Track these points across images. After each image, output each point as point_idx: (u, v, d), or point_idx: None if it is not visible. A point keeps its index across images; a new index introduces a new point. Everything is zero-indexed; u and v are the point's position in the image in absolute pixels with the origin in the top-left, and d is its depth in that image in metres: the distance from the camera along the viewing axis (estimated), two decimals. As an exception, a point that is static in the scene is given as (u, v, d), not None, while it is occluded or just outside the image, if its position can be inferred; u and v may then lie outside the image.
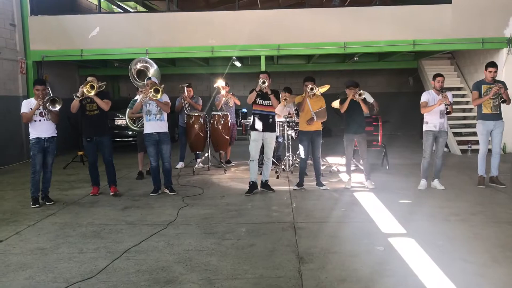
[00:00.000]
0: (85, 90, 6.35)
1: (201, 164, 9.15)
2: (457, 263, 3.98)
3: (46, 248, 4.61)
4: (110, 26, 11.05)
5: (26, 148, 10.22)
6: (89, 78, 6.51)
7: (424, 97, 6.91)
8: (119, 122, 11.66)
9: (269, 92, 6.75)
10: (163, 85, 6.83)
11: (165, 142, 6.90)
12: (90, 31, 10.92)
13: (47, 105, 6.29)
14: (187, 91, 9.07)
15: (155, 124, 6.79)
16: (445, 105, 6.70)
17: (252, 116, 7.02)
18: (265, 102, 6.83)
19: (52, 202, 6.50)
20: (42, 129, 6.39)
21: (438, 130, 6.87)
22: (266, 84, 6.67)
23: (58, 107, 6.37)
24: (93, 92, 6.37)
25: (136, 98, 8.39)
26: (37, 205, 6.33)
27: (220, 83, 9.44)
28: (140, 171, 8.38)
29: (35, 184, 6.42)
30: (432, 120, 6.86)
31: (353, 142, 7.20)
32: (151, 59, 8.15)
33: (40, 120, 6.38)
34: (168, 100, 6.92)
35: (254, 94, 6.77)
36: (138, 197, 6.86)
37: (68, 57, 11.30)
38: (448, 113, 6.79)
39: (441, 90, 6.79)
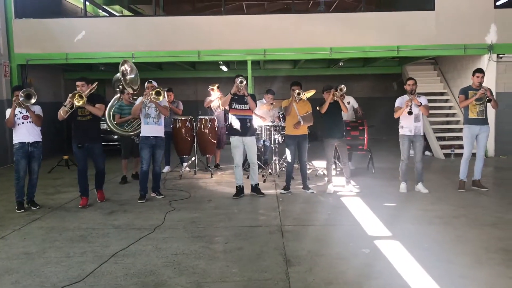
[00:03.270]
0: (75, 102, 6.01)
1: (187, 168, 9.15)
2: (442, 264, 4.06)
3: (32, 252, 4.58)
4: (96, 30, 11.01)
5: (10, 152, 10.10)
6: (78, 83, 6.29)
7: (398, 102, 7.08)
8: (104, 126, 11.54)
9: (246, 94, 6.77)
10: (165, 89, 6.80)
11: (160, 146, 6.89)
12: (75, 35, 10.85)
13: (21, 100, 6.09)
14: (167, 95, 9.04)
15: (153, 128, 6.76)
16: (410, 108, 6.83)
17: (229, 122, 7.03)
18: (242, 106, 6.84)
19: (37, 207, 6.44)
20: (25, 132, 6.29)
21: (413, 134, 7.00)
22: (244, 83, 6.67)
23: (33, 100, 6.17)
24: (81, 102, 6.04)
25: (121, 102, 8.36)
26: (22, 210, 6.26)
27: (213, 86, 9.44)
28: (124, 176, 8.35)
29: (20, 189, 6.34)
30: (407, 125, 7.00)
31: (333, 146, 7.28)
32: (138, 62, 8.13)
33: (23, 123, 6.28)
34: (167, 104, 6.92)
35: (229, 97, 6.78)
36: (125, 201, 6.83)
37: (53, 60, 11.20)
38: (410, 113, 6.84)
39: (412, 93, 6.94)
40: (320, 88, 7.44)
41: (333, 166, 7.87)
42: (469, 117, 7.09)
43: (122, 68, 7.36)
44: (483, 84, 7.07)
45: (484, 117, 7.07)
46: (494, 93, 10.63)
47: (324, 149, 7.26)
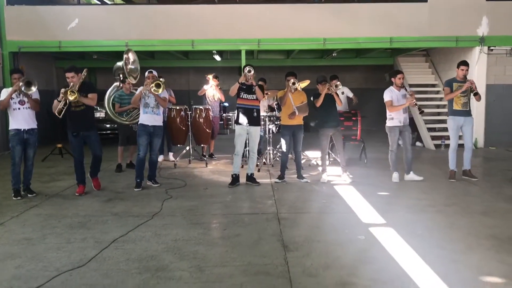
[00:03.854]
0: (68, 97, 6.01)
1: (171, 157, 9.23)
2: (435, 250, 4.19)
3: (33, 238, 4.63)
4: (89, 18, 10.95)
5: (5, 139, 10.07)
6: (68, 74, 6.19)
7: (388, 96, 7.15)
8: (97, 115, 11.58)
9: (255, 83, 6.84)
10: (162, 79, 6.83)
11: (158, 135, 6.93)
12: (68, 23, 10.79)
13: (22, 88, 6.13)
14: None
15: (151, 117, 6.80)
16: (418, 108, 7.12)
17: (236, 110, 7.11)
18: (250, 96, 6.91)
19: (34, 194, 6.47)
20: (21, 119, 6.30)
21: (402, 124, 7.14)
22: (252, 72, 6.73)
23: (34, 89, 6.22)
24: (74, 97, 6.04)
25: (121, 91, 8.38)
26: (18, 197, 6.29)
27: (213, 76, 9.46)
28: (119, 164, 8.39)
29: (16, 176, 6.36)
30: (397, 116, 7.13)
31: (328, 136, 7.38)
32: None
33: (19, 109, 6.29)
34: (167, 96, 6.97)
35: (236, 86, 6.84)
36: (121, 189, 6.89)
37: (46, 48, 11.14)
38: (421, 112, 7.01)
39: (402, 86, 7.07)
40: (313, 78, 7.52)
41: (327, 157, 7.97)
42: (453, 108, 7.23)
43: (126, 56, 7.40)
44: (468, 76, 7.21)
45: (468, 109, 7.22)
46: (484, 85, 10.88)
47: (320, 139, 7.35)
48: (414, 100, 6.96)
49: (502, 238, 4.52)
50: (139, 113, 7.09)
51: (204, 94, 9.47)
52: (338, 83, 7.14)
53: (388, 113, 7.21)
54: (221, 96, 9.41)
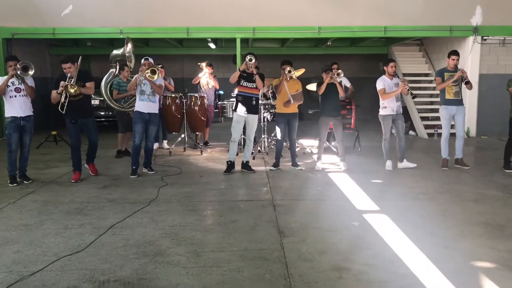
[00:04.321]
0: (71, 90, 6.10)
1: (166, 145, 9.28)
2: (428, 237, 4.28)
3: (31, 224, 4.66)
4: (83, 4, 10.84)
5: (0, 126, 10.05)
6: (64, 65, 6.25)
7: (380, 84, 7.20)
8: (92, 102, 11.51)
9: (255, 72, 6.86)
10: (160, 65, 6.85)
11: (154, 122, 6.95)
12: (62, 9, 10.69)
13: (19, 72, 6.14)
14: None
15: (147, 105, 6.82)
16: (411, 93, 7.11)
17: (235, 98, 7.13)
18: (250, 84, 6.93)
19: (30, 181, 6.49)
20: (17, 106, 6.30)
21: (395, 113, 7.20)
22: (253, 61, 6.75)
23: (30, 73, 6.25)
24: (74, 90, 6.14)
25: (119, 79, 8.40)
26: (15, 184, 6.31)
27: (206, 63, 9.45)
28: (119, 150, 8.50)
29: (12, 163, 6.37)
30: (390, 105, 7.18)
31: (328, 125, 7.42)
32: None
33: (15, 96, 6.29)
34: (162, 83, 6.99)
35: (237, 73, 6.85)
36: (117, 176, 6.92)
37: (40, 35, 11.07)
38: (414, 97, 7.06)
39: (394, 75, 7.13)
40: (308, 67, 7.55)
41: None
42: (446, 98, 7.29)
43: (130, 46, 7.50)
44: (460, 66, 7.28)
45: (460, 98, 7.29)
46: (477, 75, 10.96)
47: (319, 126, 7.40)
48: (407, 86, 7.01)
49: (493, 225, 4.62)
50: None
51: (198, 82, 9.47)
52: (340, 71, 7.15)
53: (381, 102, 7.26)
54: (215, 83, 9.41)
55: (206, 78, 9.40)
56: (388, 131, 7.29)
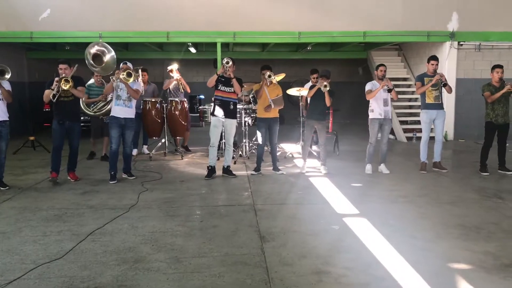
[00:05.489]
0: (62, 86, 6.26)
1: (146, 150, 9.23)
2: (406, 239, 4.34)
3: (8, 231, 4.58)
4: (62, 8, 10.71)
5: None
6: (61, 66, 6.41)
7: (368, 87, 7.33)
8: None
9: (233, 76, 6.86)
10: (140, 68, 6.83)
11: (130, 127, 6.90)
12: (40, 13, 10.55)
13: None
14: (142, 75, 8.92)
15: (123, 110, 6.77)
16: (387, 87, 7.11)
17: (213, 102, 7.13)
18: (227, 89, 6.94)
19: (7, 187, 6.37)
20: None
21: (383, 118, 7.29)
22: (230, 63, 6.75)
23: (7, 76, 6.23)
24: (68, 86, 6.28)
25: (90, 82, 8.37)
26: (-9, 190, 6.21)
27: (174, 66, 9.38)
28: (92, 151, 8.68)
29: (-12, 169, 6.28)
30: (377, 108, 7.27)
31: (313, 128, 7.48)
32: (105, 42, 8.04)
33: None
34: (140, 88, 6.94)
35: (214, 77, 6.85)
36: (97, 182, 6.84)
37: (17, 39, 10.89)
38: (389, 90, 7.14)
39: (383, 78, 7.24)
40: (289, 71, 7.60)
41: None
42: (426, 102, 7.42)
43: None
44: (438, 70, 7.42)
45: (440, 102, 7.42)
46: (454, 79, 11.17)
47: (304, 129, 7.46)
48: (387, 84, 7.06)
49: (469, 227, 4.71)
50: (105, 106, 7.17)
51: (168, 88, 9.37)
52: (326, 83, 7.15)
53: (369, 106, 7.34)
54: (186, 87, 9.32)
55: (176, 83, 9.29)
56: (374, 135, 7.35)
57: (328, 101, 7.19)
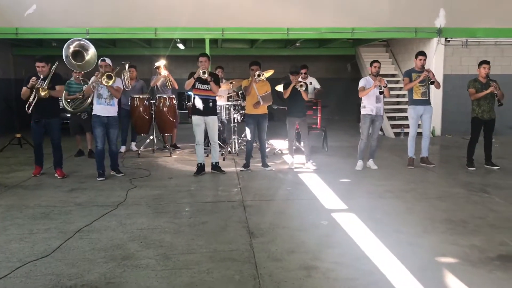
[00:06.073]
0: (41, 93, 6.32)
1: (134, 147, 9.19)
2: (393, 234, 4.38)
3: (-6, 230, 4.54)
4: (48, 3, 10.56)
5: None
6: (38, 64, 6.42)
7: (362, 83, 7.34)
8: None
9: (209, 79, 6.79)
10: (117, 68, 6.77)
11: (113, 126, 6.82)
12: (26, 9, 10.40)
13: None
14: (130, 71, 8.80)
15: (105, 108, 6.68)
16: (380, 87, 7.11)
17: (192, 100, 7.09)
18: (204, 87, 6.87)
19: (-7, 185, 6.33)
20: None
21: (375, 114, 7.32)
22: (206, 75, 6.68)
23: None
24: (44, 93, 6.35)
25: (71, 80, 8.30)
26: (-23, 188, 6.15)
27: (161, 62, 9.32)
28: (80, 150, 8.60)
29: (-27, 167, 6.22)
30: (369, 105, 7.30)
31: (295, 125, 7.50)
32: (92, 39, 7.96)
33: None
34: (121, 86, 6.84)
35: (192, 81, 6.79)
36: (84, 179, 6.80)
37: (2, 35, 10.72)
38: (381, 92, 7.18)
39: (377, 75, 7.26)
40: (277, 68, 7.60)
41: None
42: (413, 98, 7.47)
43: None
44: (425, 66, 7.46)
45: (428, 98, 7.47)
46: (442, 75, 11.24)
47: (287, 127, 7.47)
48: (380, 83, 7.08)
49: (456, 221, 4.76)
50: (82, 103, 7.15)
51: (156, 85, 9.32)
52: (302, 83, 7.14)
53: (362, 102, 7.36)
54: (174, 83, 9.25)
55: (163, 79, 9.24)
56: (365, 131, 7.36)
57: (305, 97, 7.22)
